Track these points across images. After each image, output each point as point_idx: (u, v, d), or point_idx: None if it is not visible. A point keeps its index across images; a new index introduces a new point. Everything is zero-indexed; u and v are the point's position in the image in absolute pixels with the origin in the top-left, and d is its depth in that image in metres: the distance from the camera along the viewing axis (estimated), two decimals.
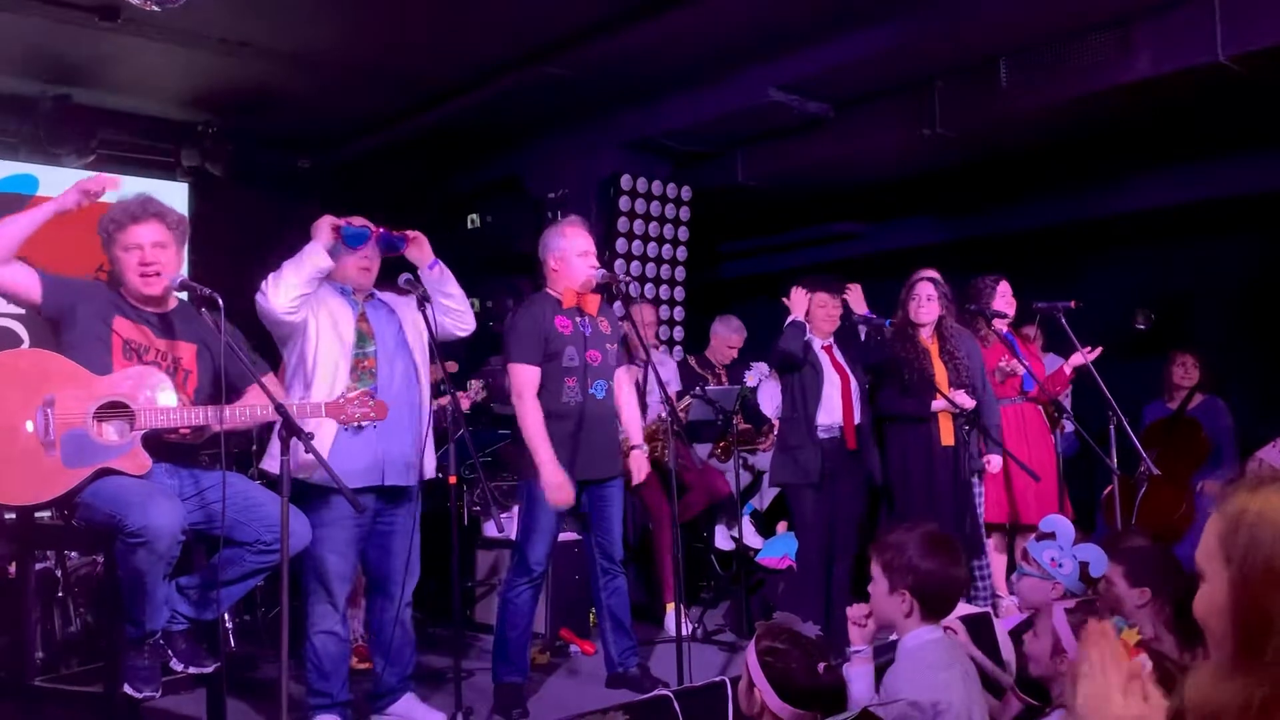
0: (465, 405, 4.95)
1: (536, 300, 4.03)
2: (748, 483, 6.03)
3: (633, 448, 4.10)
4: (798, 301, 4.67)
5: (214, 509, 3.02)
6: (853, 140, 6.21)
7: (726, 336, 6.20)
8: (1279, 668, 1.18)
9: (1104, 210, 6.55)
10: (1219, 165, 6.04)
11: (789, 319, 4.66)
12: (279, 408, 2.89)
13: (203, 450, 3.36)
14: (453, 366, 5.02)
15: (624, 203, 6.79)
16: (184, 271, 3.32)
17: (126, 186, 3.22)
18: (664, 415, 4.41)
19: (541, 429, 3.80)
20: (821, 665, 2.23)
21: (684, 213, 7.10)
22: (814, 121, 6.17)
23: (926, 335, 4.77)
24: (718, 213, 7.33)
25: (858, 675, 2.57)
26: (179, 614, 3.09)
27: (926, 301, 4.75)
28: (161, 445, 3.04)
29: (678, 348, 7.10)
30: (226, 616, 4.32)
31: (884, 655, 2.68)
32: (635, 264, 6.92)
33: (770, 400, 5.70)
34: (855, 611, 2.70)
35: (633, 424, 4.17)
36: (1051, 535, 2.97)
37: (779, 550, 5.50)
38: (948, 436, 4.64)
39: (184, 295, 3.24)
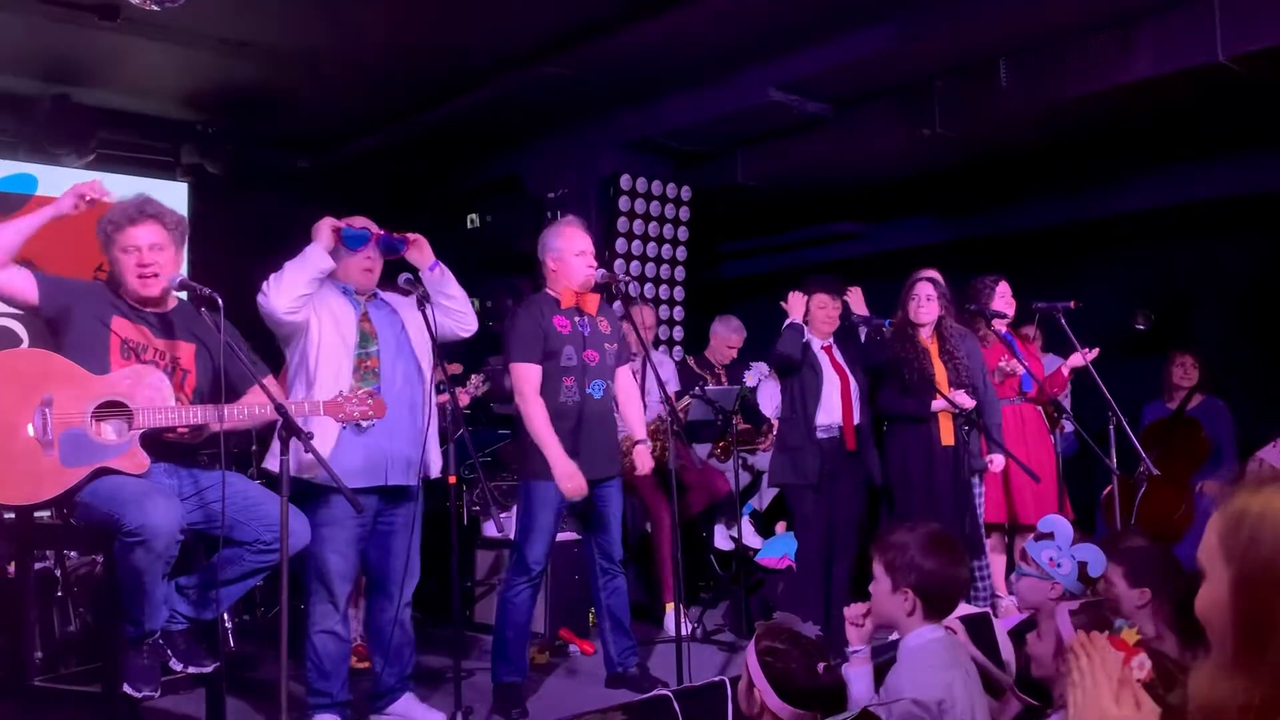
0: (465, 400, 4.95)
1: (535, 300, 4.03)
2: (747, 483, 6.04)
3: (636, 443, 4.10)
4: (795, 305, 4.70)
5: (213, 508, 3.02)
6: (853, 140, 6.21)
7: (726, 336, 6.20)
8: None
9: (1104, 210, 6.55)
10: (1219, 165, 6.04)
11: (787, 321, 4.67)
12: (279, 407, 2.90)
13: (202, 450, 3.36)
14: (456, 368, 5.02)
15: (624, 203, 6.79)
16: (183, 271, 3.32)
17: (126, 186, 3.22)
18: (664, 415, 4.41)
19: (547, 424, 3.82)
20: (821, 665, 2.23)
21: (684, 213, 7.10)
22: (814, 121, 6.17)
23: (926, 335, 4.78)
24: (718, 213, 7.33)
25: (857, 675, 2.57)
26: (178, 613, 3.09)
27: (926, 301, 4.75)
28: (160, 445, 3.04)
29: (677, 348, 7.10)
30: (226, 616, 4.33)
31: (883, 655, 2.68)
32: (635, 264, 6.92)
33: (770, 400, 5.70)
34: (853, 611, 2.70)
35: (636, 420, 4.18)
36: (1050, 535, 2.97)
37: (778, 550, 5.50)
38: (948, 436, 4.64)
39: (183, 295, 3.24)
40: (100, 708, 3.05)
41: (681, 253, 7.13)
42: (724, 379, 6.01)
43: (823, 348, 4.71)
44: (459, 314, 3.74)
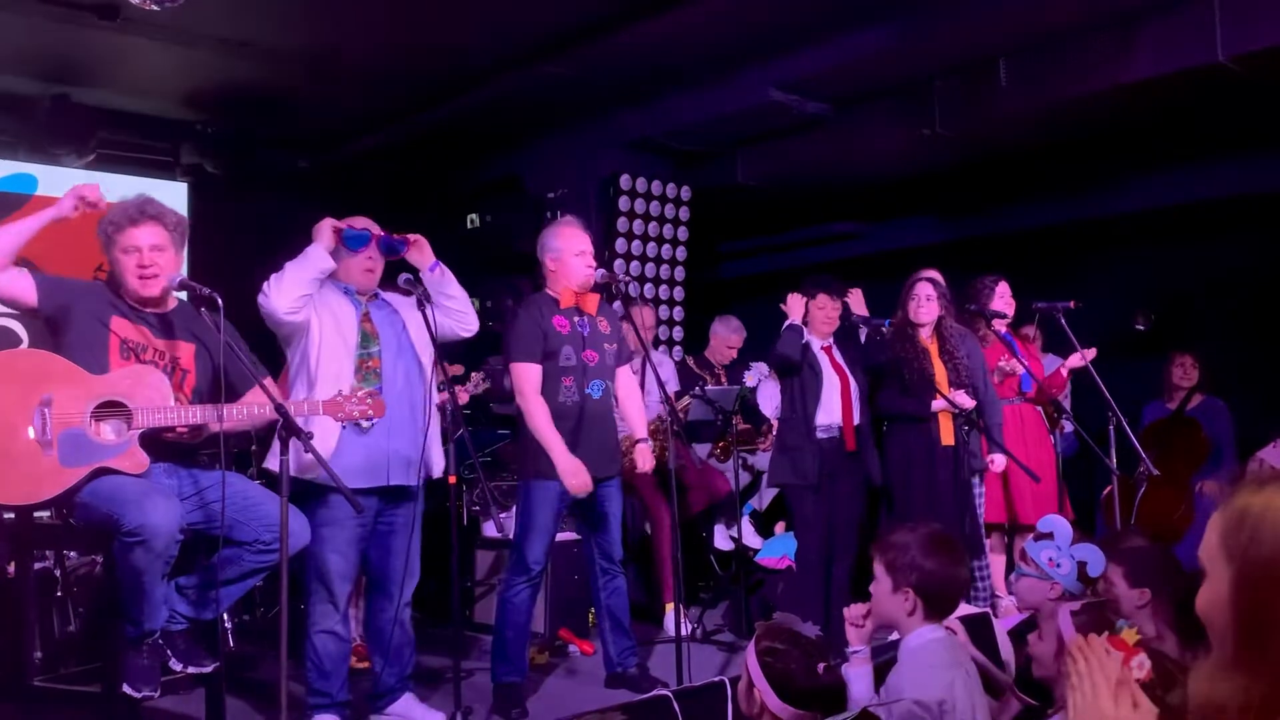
0: (464, 397, 4.95)
1: (535, 300, 4.04)
2: (747, 483, 6.04)
3: (638, 441, 4.10)
4: (794, 306, 4.70)
5: (213, 508, 3.02)
6: (853, 140, 6.21)
7: (726, 336, 6.20)
8: None
9: (1104, 210, 6.55)
10: (1219, 165, 6.05)
11: (786, 323, 4.67)
12: (278, 407, 2.89)
13: (202, 450, 3.36)
14: (457, 369, 5.02)
15: (624, 203, 6.79)
16: (183, 271, 3.32)
17: (126, 186, 3.22)
18: (664, 415, 4.41)
19: (549, 422, 3.82)
20: (821, 665, 2.23)
21: (684, 213, 7.10)
22: (814, 121, 6.17)
23: (926, 335, 4.78)
24: (717, 213, 7.33)
25: (857, 675, 2.57)
26: (178, 613, 3.09)
27: (926, 301, 4.76)
28: (160, 445, 3.04)
29: (677, 348, 7.10)
30: (226, 616, 4.33)
31: (883, 655, 2.68)
32: (635, 264, 6.92)
33: (769, 400, 5.70)
34: (853, 612, 2.70)
35: (637, 419, 4.18)
36: (1049, 535, 2.97)
37: (778, 550, 5.50)
38: (948, 436, 4.64)
39: (183, 295, 3.24)
40: (100, 708, 3.05)
41: (681, 253, 7.13)
42: (724, 379, 6.01)
43: (822, 348, 4.71)
44: (460, 314, 3.74)
